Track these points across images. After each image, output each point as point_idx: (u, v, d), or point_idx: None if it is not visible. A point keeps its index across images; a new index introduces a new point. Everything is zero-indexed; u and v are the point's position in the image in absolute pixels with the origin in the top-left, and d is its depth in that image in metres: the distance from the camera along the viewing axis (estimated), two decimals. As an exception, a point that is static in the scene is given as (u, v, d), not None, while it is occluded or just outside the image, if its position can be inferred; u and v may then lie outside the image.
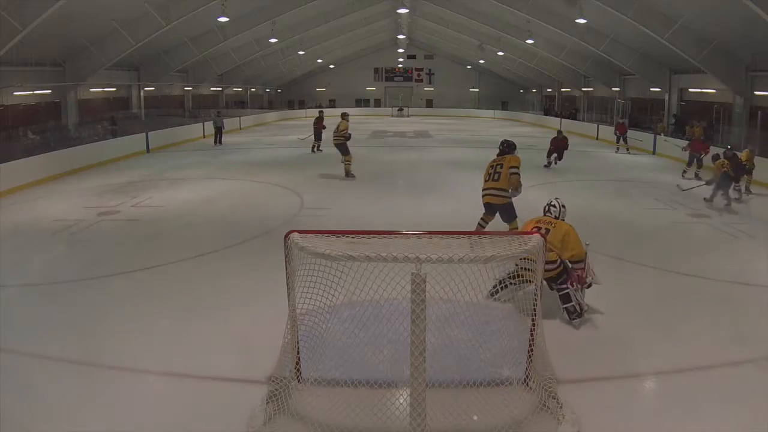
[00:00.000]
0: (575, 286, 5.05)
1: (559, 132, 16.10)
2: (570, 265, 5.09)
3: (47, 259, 7.19)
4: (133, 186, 12.17)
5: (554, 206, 5.41)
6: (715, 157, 10.75)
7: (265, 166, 15.19)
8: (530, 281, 4.22)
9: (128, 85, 23.29)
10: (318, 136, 17.88)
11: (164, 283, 6.29)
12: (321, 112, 18.92)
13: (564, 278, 5.04)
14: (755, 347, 4.66)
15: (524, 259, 4.59)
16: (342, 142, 12.46)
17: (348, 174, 12.79)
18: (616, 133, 19.14)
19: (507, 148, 7.27)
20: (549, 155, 15.26)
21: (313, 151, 17.72)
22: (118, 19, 17.45)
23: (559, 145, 15.25)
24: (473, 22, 26.64)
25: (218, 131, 20.81)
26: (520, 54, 31.59)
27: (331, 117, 16.95)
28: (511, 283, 4.67)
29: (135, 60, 21.52)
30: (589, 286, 5.17)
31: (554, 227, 5.12)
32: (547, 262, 4.41)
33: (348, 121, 12.62)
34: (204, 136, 22.36)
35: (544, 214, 5.40)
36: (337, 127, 12.42)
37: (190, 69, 26.82)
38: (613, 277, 6.09)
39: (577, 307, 5.00)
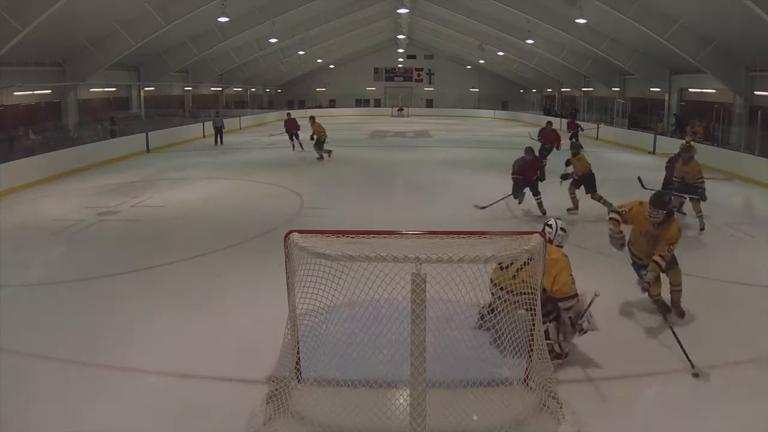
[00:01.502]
0: (560, 330, 4.38)
1: (529, 150, 9.47)
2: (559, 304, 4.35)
3: (47, 259, 7.19)
4: (133, 186, 12.16)
5: (550, 227, 4.68)
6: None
7: (265, 166, 15.18)
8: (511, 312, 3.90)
9: (128, 85, 23.27)
10: (294, 136, 18.11)
11: (164, 283, 6.28)
12: (289, 114, 19.62)
13: (549, 309, 4.32)
14: (755, 347, 4.66)
15: (507, 291, 4.13)
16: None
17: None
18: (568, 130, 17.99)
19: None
20: (514, 192, 9.35)
21: (293, 149, 18.02)
22: (118, 19, 17.45)
23: (523, 172, 9.19)
24: (473, 22, 26.61)
25: (218, 131, 20.81)
26: (520, 54, 31.57)
27: (330, 117, 17.13)
28: (493, 310, 4.10)
29: (135, 60, 21.50)
30: (584, 332, 4.37)
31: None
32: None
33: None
34: (204, 136, 22.34)
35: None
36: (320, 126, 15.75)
37: (190, 69, 26.81)
38: (612, 277, 6.09)
39: (556, 347, 4.33)
